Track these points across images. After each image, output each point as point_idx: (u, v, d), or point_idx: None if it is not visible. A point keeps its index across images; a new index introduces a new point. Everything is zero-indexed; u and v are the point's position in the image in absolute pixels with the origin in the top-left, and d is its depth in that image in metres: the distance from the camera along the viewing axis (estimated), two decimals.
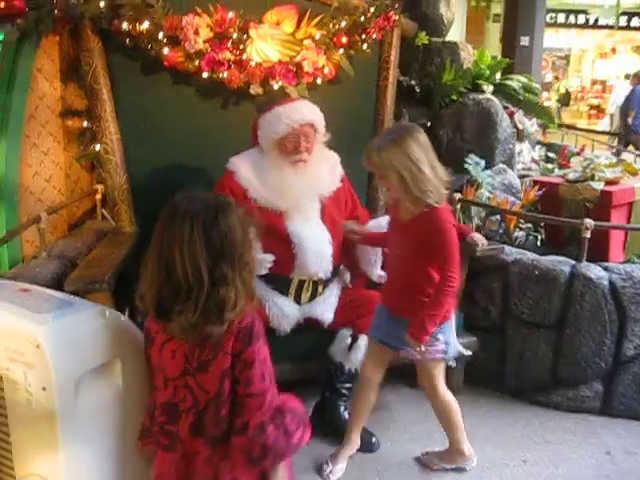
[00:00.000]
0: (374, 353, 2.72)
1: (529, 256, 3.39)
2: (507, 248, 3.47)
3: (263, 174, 2.93)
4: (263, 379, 1.69)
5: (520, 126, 5.32)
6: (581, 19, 16.42)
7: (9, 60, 3.18)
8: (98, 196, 3.65)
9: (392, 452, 2.94)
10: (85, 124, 3.57)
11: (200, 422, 1.69)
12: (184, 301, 1.58)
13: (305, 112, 2.93)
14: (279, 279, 2.93)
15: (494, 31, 13.23)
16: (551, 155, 6.32)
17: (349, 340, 2.88)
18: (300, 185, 2.92)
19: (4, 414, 1.63)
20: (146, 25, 3.21)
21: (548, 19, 15.06)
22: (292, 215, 2.94)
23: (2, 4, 2.78)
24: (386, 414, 3.24)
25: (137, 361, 1.76)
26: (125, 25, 3.20)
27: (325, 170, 3.05)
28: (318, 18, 3.55)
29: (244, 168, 2.96)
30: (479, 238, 3.04)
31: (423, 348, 2.48)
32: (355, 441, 2.83)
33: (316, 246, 2.91)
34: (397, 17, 3.73)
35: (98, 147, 3.41)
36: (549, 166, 5.60)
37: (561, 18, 16.17)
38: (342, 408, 3.02)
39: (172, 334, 1.67)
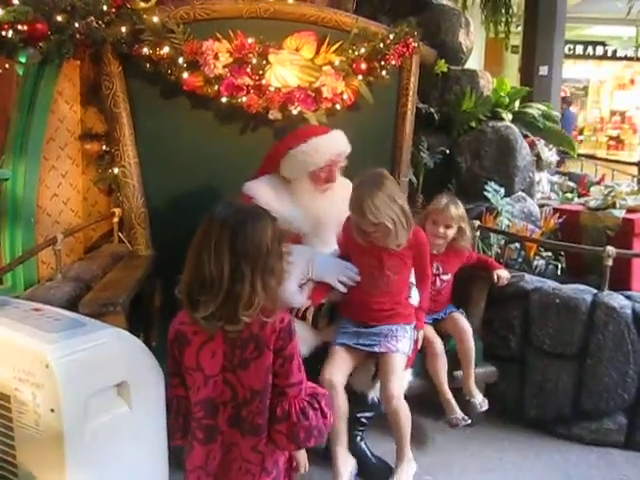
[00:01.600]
0: (343, 360, 2.73)
1: (550, 284, 3.33)
2: (527, 276, 3.42)
3: (285, 199, 2.89)
4: (300, 370, 1.89)
5: (543, 156, 5.29)
6: (599, 50, 16.44)
7: (31, 82, 3.21)
8: (115, 219, 3.66)
9: None
10: (104, 147, 3.59)
11: (238, 414, 1.84)
12: (207, 293, 1.74)
13: (340, 143, 2.94)
14: None
15: (512, 62, 13.21)
16: (570, 184, 6.28)
17: (373, 369, 2.83)
18: (323, 209, 2.91)
19: (11, 436, 1.60)
20: (166, 50, 3.23)
21: (566, 50, 15.05)
22: (311, 239, 2.91)
23: (25, 27, 2.79)
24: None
25: (148, 384, 1.73)
26: (146, 50, 3.22)
27: (344, 196, 3.01)
28: (337, 44, 3.55)
29: (263, 192, 2.91)
30: (504, 278, 3.18)
31: (400, 342, 2.71)
32: (346, 463, 2.70)
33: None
34: (416, 44, 3.72)
35: (116, 170, 3.41)
36: (569, 195, 5.55)
37: (579, 49, 16.21)
38: (359, 438, 2.96)
39: (211, 335, 1.81)
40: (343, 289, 2.75)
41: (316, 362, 2.88)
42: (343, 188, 2.99)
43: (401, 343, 2.73)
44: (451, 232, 3.08)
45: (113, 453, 1.66)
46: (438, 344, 3.03)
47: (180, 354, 1.83)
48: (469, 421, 3.02)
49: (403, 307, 2.81)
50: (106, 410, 1.63)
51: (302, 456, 2.01)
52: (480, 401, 3.12)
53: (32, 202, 3.22)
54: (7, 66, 3.28)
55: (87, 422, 1.57)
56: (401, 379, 2.73)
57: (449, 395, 3.04)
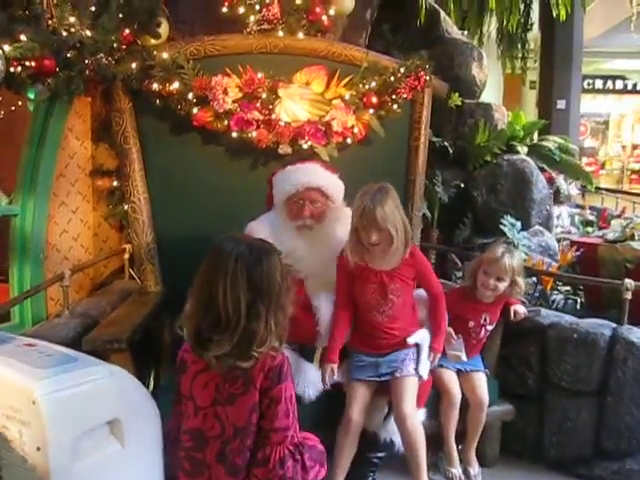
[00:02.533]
0: (363, 396, 2.70)
1: (567, 319, 3.24)
2: (544, 311, 3.33)
3: (279, 238, 2.83)
4: (287, 416, 1.85)
5: (561, 190, 5.23)
6: (619, 84, 16.39)
7: (41, 118, 3.23)
8: (126, 256, 3.64)
9: None
10: (115, 183, 3.58)
11: (224, 450, 1.81)
12: (222, 332, 1.75)
13: (312, 176, 2.86)
14: (303, 347, 2.81)
15: (531, 98, 13.22)
16: (591, 218, 6.19)
17: (386, 409, 2.77)
18: (311, 253, 2.84)
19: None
20: (176, 85, 3.23)
21: (585, 85, 15.03)
22: (311, 282, 2.86)
23: (33, 63, 2.80)
24: None
25: (142, 421, 1.67)
26: (155, 85, 3.22)
27: (344, 233, 2.94)
28: (348, 78, 3.53)
29: (261, 234, 2.86)
30: (521, 313, 3.09)
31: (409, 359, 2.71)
32: None
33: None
34: (428, 77, 3.69)
35: (126, 207, 3.40)
36: (589, 229, 5.47)
37: (599, 84, 16.17)
38: (370, 479, 2.87)
39: (207, 365, 1.80)
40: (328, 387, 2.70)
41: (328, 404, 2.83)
42: (345, 223, 2.91)
43: (420, 366, 2.72)
44: (502, 285, 2.95)
45: None
46: (457, 396, 2.95)
47: (178, 381, 1.85)
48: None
49: (414, 329, 2.80)
50: (97, 449, 1.57)
51: None
52: (476, 473, 3.06)
53: (41, 238, 3.21)
54: (20, 103, 3.30)
55: (76, 461, 1.51)
56: (414, 400, 2.66)
57: (454, 448, 3.01)
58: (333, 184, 2.90)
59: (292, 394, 1.88)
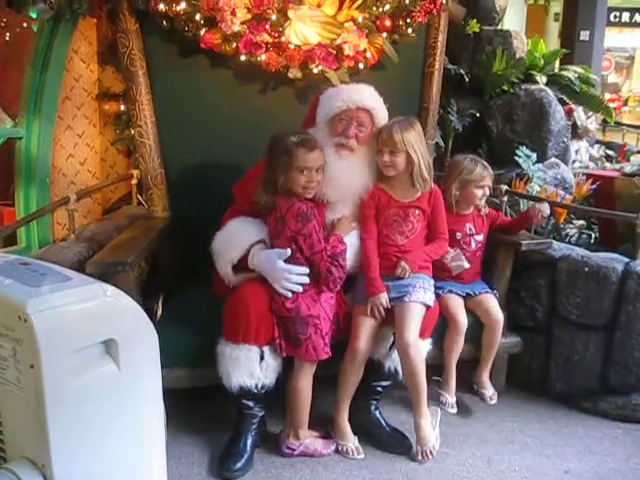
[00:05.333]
0: (368, 324, 2.69)
1: (578, 252, 3.18)
2: (555, 243, 3.27)
3: None
4: (320, 241, 2.55)
5: (578, 122, 5.09)
6: None
7: (44, 39, 3.15)
8: (134, 181, 3.59)
9: None
10: (122, 108, 3.51)
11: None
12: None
13: (366, 96, 2.77)
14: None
15: (555, 30, 12.86)
16: (611, 153, 6.07)
17: (392, 338, 2.75)
18: (345, 176, 2.75)
19: None
20: (183, 6, 3.12)
21: (612, 18, 14.56)
22: (336, 206, 2.80)
23: None
24: None
25: (139, 343, 1.65)
26: (162, 6, 3.11)
27: (365, 165, 2.86)
28: (360, 0, 3.40)
29: None
30: (544, 210, 3.14)
31: (427, 294, 2.71)
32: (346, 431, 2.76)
33: (354, 240, 2.77)
34: (444, 1, 3.54)
35: (133, 131, 3.34)
36: (607, 165, 5.36)
37: (626, 17, 15.63)
38: (373, 407, 2.88)
39: None
40: (289, 295, 2.56)
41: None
42: (364, 158, 2.84)
43: (427, 295, 2.72)
44: (487, 191, 3.11)
45: (100, 414, 1.59)
46: (463, 323, 2.94)
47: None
48: (454, 411, 3.02)
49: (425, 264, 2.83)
50: (92, 368, 1.55)
51: None
52: (490, 394, 3.07)
53: (47, 162, 3.17)
54: (25, 25, 3.22)
55: (70, 379, 1.50)
56: (417, 328, 2.65)
57: (453, 377, 3.03)
58: (382, 110, 2.81)
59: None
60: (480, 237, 3.10)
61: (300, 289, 2.55)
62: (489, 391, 3.07)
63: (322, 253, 2.54)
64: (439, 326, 2.87)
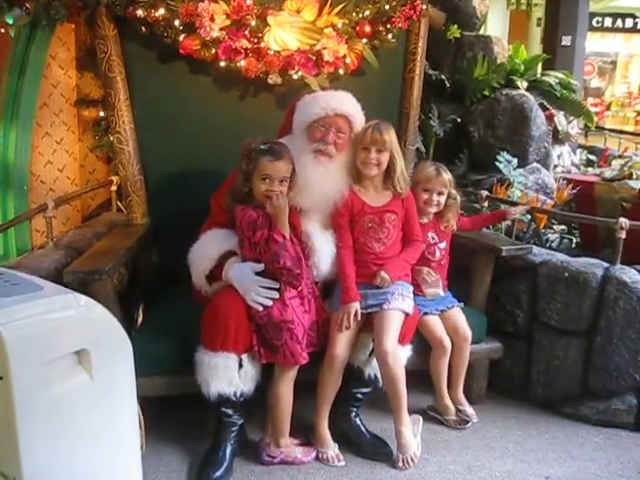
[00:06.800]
0: (346, 331, 2.66)
1: (559, 257, 3.18)
2: (535, 249, 3.27)
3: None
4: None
5: (559, 127, 5.11)
6: (629, 23, 15.95)
7: (22, 45, 3.13)
8: (113, 187, 3.57)
9: None
10: (101, 114, 3.48)
11: None
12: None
13: (344, 103, 2.77)
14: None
15: (537, 35, 12.93)
16: (592, 158, 6.10)
17: (371, 345, 2.73)
18: (320, 183, 2.74)
19: None
20: (162, 12, 3.10)
21: (594, 23, 14.69)
22: (311, 214, 2.78)
23: None
24: None
25: (112, 353, 1.63)
26: (140, 12, 3.10)
27: (342, 172, 2.85)
28: (340, 6, 3.38)
29: None
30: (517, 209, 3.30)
31: (405, 301, 2.70)
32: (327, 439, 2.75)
33: (329, 248, 2.76)
34: (424, 6, 3.55)
35: (112, 137, 3.32)
36: (589, 169, 5.38)
37: (608, 22, 15.75)
38: (354, 414, 2.86)
39: None
40: (260, 308, 2.53)
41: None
42: (341, 164, 2.83)
43: (406, 302, 2.71)
44: (443, 199, 3.03)
45: (73, 424, 1.57)
46: (448, 346, 2.94)
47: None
48: (476, 419, 3.05)
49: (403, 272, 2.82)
50: (64, 379, 1.53)
51: None
52: (471, 412, 3.06)
53: (24, 169, 3.14)
54: (2, 31, 3.19)
55: (41, 391, 1.47)
56: (396, 335, 2.64)
57: (448, 400, 3.04)
58: (360, 116, 2.81)
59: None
60: (443, 245, 3.07)
61: (269, 303, 2.51)
62: (469, 408, 3.06)
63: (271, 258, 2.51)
64: (417, 333, 2.86)
